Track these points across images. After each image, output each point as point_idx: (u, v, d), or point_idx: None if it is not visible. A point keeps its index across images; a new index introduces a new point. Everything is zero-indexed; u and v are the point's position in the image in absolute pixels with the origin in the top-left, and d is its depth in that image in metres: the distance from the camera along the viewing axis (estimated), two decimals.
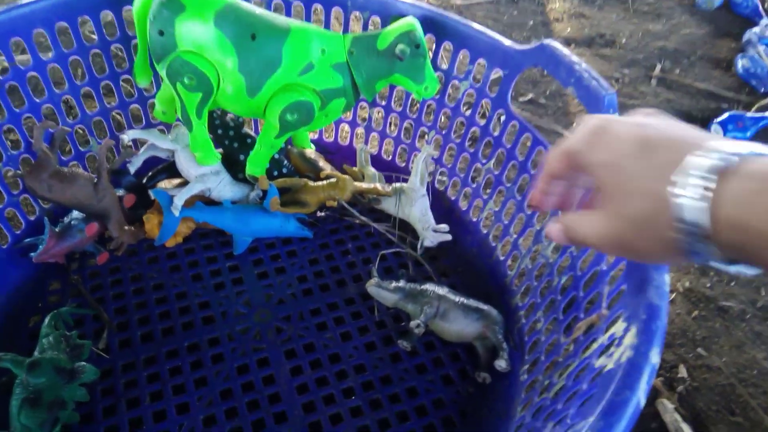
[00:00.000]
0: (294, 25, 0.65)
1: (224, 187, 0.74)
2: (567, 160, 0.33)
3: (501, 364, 0.62)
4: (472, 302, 0.66)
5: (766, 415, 0.69)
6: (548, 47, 0.62)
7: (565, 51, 0.61)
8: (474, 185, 0.77)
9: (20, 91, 0.67)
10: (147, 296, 0.69)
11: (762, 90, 1.24)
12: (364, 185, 0.76)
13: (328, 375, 0.64)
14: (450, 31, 0.71)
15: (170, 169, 0.76)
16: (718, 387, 0.72)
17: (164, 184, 0.76)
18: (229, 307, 0.69)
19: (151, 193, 0.71)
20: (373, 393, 0.62)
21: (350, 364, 0.65)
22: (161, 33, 0.61)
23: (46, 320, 0.61)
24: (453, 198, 0.81)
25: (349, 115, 0.87)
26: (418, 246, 0.76)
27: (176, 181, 0.77)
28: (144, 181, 0.76)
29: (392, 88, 0.81)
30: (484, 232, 0.77)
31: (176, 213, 0.70)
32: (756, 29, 1.35)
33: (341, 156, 0.88)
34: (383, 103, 0.83)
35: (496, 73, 0.69)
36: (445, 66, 0.74)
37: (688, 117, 1.16)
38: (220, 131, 0.75)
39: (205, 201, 0.74)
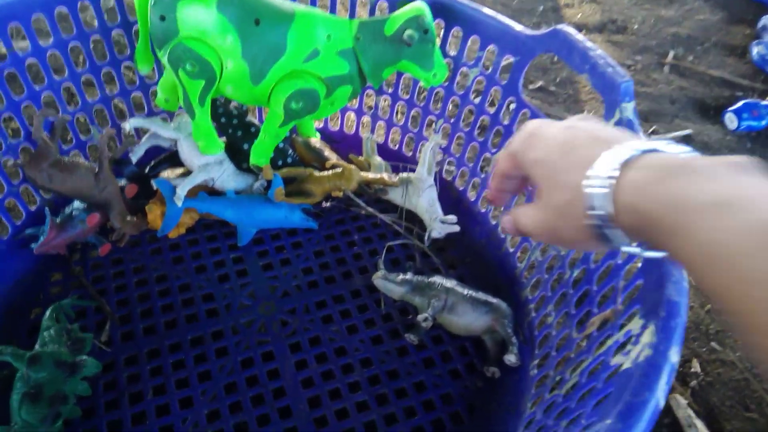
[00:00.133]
0: (299, 10, 0.63)
1: (228, 177, 0.72)
2: (511, 161, 0.36)
3: (510, 358, 0.61)
4: (481, 295, 0.64)
5: None
6: (561, 32, 0.60)
7: (579, 36, 0.59)
8: (483, 175, 0.75)
9: (19, 78, 0.65)
10: (150, 288, 0.68)
11: None
12: (370, 175, 0.74)
13: (334, 369, 0.62)
14: (459, 16, 0.69)
15: (173, 159, 0.75)
16: (732, 382, 0.70)
17: (167, 173, 0.75)
18: (233, 300, 0.68)
19: (154, 183, 0.69)
20: (379, 387, 0.61)
21: (356, 357, 0.64)
22: (162, 18, 0.60)
23: (47, 313, 0.60)
24: (461, 188, 0.79)
25: (355, 103, 0.85)
26: (426, 237, 0.74)
27: (179, 170, 0.75)
28: (146, 170, 0.75)
29: (399, 75, 0.79)
30: (493, 223, 0.75)
31: (179, 203, 0.69)
32: None
33: (347, 145, 0.86)
34: (390, 90, 0.81)
35: (507, 60, 0.67)
36: (454, 52, 0.72)
37: (702, 105, 1.14)
38: (223, 119, 0.73)
39: (209, 191, 0.73)
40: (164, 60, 0.62)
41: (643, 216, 0.27)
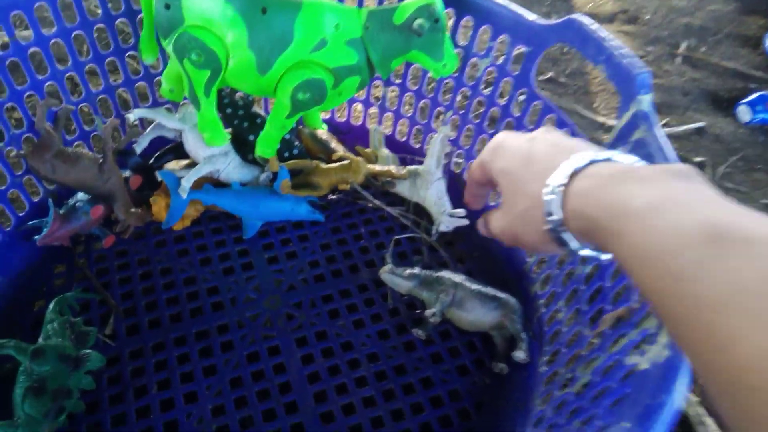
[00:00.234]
0: None
1: (233, 169, 0.71)
2: (480, 170, 0.39)
3: (520, 355, 0.60)
4: (490, 290, 0.63)
5: None
6: (576, 22, 0.58)
7: (594, 26, 0.58)
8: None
9: (22, 67, 0.64)
10: (154, 281, 0.67)
11: None
12: (377, 167, 0.73)
13: (341, 364, 0.62)
14: (471, 5, 0.67)
15: (178, 150, 0.74)
16: None
17: (171, 165, 0.74)
18: (238, 293, 0.67)
19: (158, 175, 0.68)
20: (386, 383, 0.60)
21: (363, 352, 0.63)
22: (167, 6, 0.58)
23: (51, 305, 0.59)
24: None
25: (363, 94, 0.84)
26: (434, 231, 0.73)
27: (184, 162, 0.74)
28: (151, 161, 0.74)
29: (408, 65, 0.78)
30: None
31: (184, 195, 0.68)
32: None
33: (353, 136, 0.85)
34: (398, 81, 0.80)
35: (518, 50, 0.65)
36: (464, 42, 0.70)
37: (715, 97, 1.12)
38: (229, 110, 0.72)
39: (214, 183, 0.72)
40: (169, 49, 0.61)
41: (588, 220, 0.29)
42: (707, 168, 0.97)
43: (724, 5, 1.40)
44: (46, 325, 0.57)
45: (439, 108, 0.78)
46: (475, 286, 0.63)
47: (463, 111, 0.75)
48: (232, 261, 0.70)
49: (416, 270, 0.64)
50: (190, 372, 0.60)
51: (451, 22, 0.69)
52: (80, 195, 0.69)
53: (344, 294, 0.68)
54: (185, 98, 0.67)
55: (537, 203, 0.32)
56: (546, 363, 0.59)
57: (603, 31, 0.57)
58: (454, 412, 0.59)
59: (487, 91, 0.71)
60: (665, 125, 1.04)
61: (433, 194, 0.73)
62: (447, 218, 0.72)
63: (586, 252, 0.32)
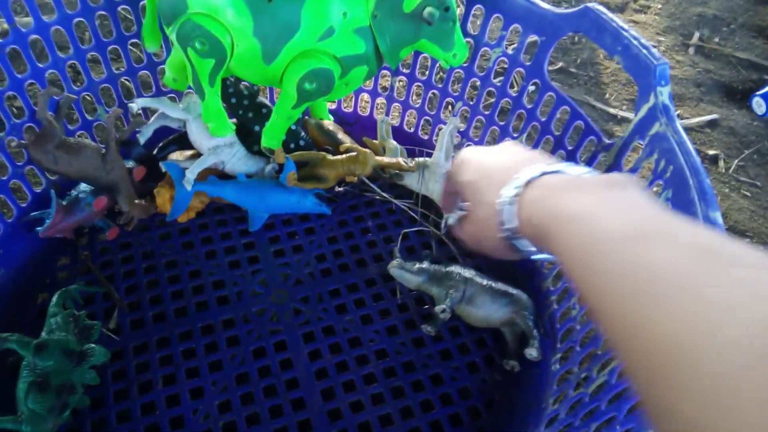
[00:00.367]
0: None
1: (238, 160, 0.70)
2: (449, 181, 0.43)
3: (532, 352, 0.59)
4: (501, 286, 0.62)
5: None
6: (592, 11, 0.56)
7: (610, 15, 0.56)
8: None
9: (22, 55, 0.62)
10: (159, 274, 0.66)
11: None
12: (385, 159, 0.72)
13: (348, 360, 0.61)
14: None
15: (182, 140, 0.72)
16: None
17: (176, 156, 0.72)
18: (244, 287, 0.66)
19: (162, 166, 0.67)
20: (395, 380, 0.59)
21: (371, 348, 0.62)
22: None
23: (54, 299, 0.58)
24: None
25: (370, 84, 0.82)
26: (442, 224, 0.71)
27: (188, 152, 0.73)
28: (154, 152, 0.72)
29: (416, 54, 0.76)
30: None
31: (188, 187, 0.66)
32: None
33: (360, 127, 0.83)
34: (407, 71, 0.78)
35: (531, 40, 0.63)
36: (475, 32, 0.68)
37: (728, 89, 1.09)
38: (233, 100, 0.71)
39: (219, 174, 0.71)
40: (172, 37, 0.59)
41: (536, 227, 0.31)
42: (721, 161, 0.95)
43: None
44: (50, 318, 0.56)
45: (448, 99, 0.76)
46: (485, 282, 0.62)
47: (473, 102, 0.74)
48: (237, 254, 0.69)
49: (425, 265, 0.63)
50: (196, 367, 0.59)
51: (461, 11, 0.67)
52: (83, 186, 0.67)
53: (352, 288, 0.67)
54: (189, 87, 0.66)
55: (494, 212, 0.35)
56: (559, 361, 0.58)
57: (619, 21, 0.55)
58: (464, 410, 0.58)
59: (498, 82, 0.69)
60: (678, 117, 1.02)
61: (441, 187, 0.72)
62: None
63: (539, 256, 0.35)
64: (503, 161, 0.37)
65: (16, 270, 0.65)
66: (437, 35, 0.62)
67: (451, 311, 0.60)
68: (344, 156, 0.71)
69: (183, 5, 0.57)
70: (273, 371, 0.59)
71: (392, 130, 0.79)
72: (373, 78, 0.79)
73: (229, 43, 0.59)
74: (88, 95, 0.71)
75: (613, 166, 0.57)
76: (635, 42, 0.53)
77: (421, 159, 0.73)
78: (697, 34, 1.21)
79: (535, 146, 0.67)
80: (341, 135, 0.76)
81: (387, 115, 0.82)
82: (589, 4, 0.57)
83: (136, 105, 0.64)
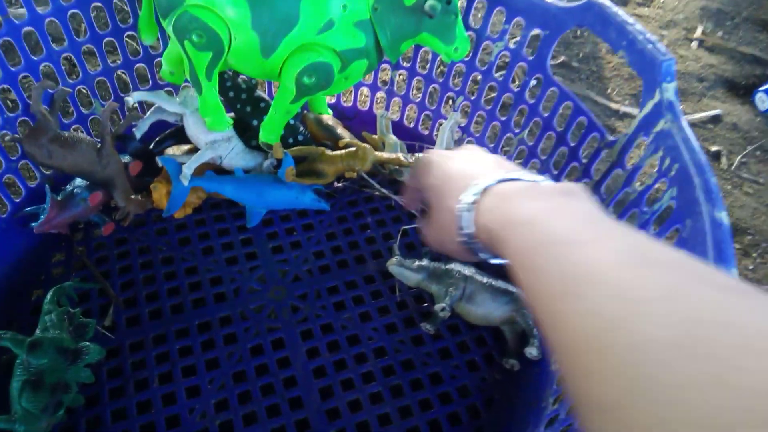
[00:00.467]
0: None
1: (236, 155, 0.69)
2: (415, 182, 0.45)
3: (532, 351, 0.58)
4: (501, 284, 0.61)
5: None
6: (596, 4, 0.55)
7: (615, 9, 0.55)
8: (505, 156, 0.71)
9: (15, 47, 0.61)
10: (155, 270, 0.66)
11: None
12: (385, 155, 0.71)
13: (347, 358, 0.60)
14: None
15: (179, 135, 0.71)
16: None
17: (172, 150, 0.71)
18: (242, 284, 0.65)
19: (159, 161, 0.66)
20: (393, 378, 0.59)
21: (370, 347, 0.61)
22: None
23: (49, 296, 0.57)
24: None
25: (370, 78, 0.81)
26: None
27: (185, 147, 0.72)
28: (151, 147, 0.71)
29: (417, 48, 0.75)
30: None
31: (185, 182, 0.65)
32: None
33: (360, 122, 0.82)
34: (407, 64, 0.77)
35: (534, 33, 0.62)
36: (477, 25, 0.67)
37: (732, 84, 1.08)
38: (231, 94, 0.70)
39: (216, 170, 0.70)
40: (169, 30, 0.58)
41: (489, 233, 0.33)
42: (723, 157, 0.95)
43: None
44: (44, 316, 0.55)
45: (449, 93, 0.75)
46: (485, 280, 0.61)
47: (474, 97, 0.73)
48: (235, 250, 0.68)
49: (425, 262, 0.62)
50: (193, 365, 0.58)
51: (463, 4, 0.66)
52: (78, 181, 0.66)
53: (350, 285, 0.66)
54: (186, 81, 0.65)
55: (453, 218, 0.36)
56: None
57: (625, 15, 0.54)
58: (464, 409, 0.57)
59: (500, 77, 0.68)
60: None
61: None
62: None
63: (496, 260, 0.36)
64: (464, 167, 0.39)
65: (10, 266, 0.64)
66: (439, 28, 0.61)
67: (450, 309, 0.60)
68: (343, 151, 0.70)
69: None
70: (270, 369, 0.58)
71: (392, 125, 0.78)
72: (372, 72, 0.78)
73: (227, 35, 0.58)
74: (83, 88, 0.70)
75: (617, 163, 0.56)
76: (641, 36, 0.52)
77: (421, 154, 0.72)
78: (700, 28, 1.20)
79: (537, 142, 0.66)
80: (340, 130, 0.75)
81: (387, 109, 0.81)
82: None
83: (132, 98, 0.63)
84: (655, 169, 0.50)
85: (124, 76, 0.73)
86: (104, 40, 0.69)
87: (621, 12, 0.54)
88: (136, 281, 0.64)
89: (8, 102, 0.67)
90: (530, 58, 0.64)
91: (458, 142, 0.77)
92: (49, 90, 0.63)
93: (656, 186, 0.50)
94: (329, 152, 0.70)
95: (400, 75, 0.79)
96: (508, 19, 0.64)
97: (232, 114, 0.70)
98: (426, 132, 0.81)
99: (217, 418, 0.55)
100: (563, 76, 1.05)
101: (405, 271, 0.62)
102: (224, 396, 0.56)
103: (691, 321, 0.20)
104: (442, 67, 0.75)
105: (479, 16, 0.67)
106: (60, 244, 0.67)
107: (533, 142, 0.66)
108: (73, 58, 0.67)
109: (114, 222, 0.68)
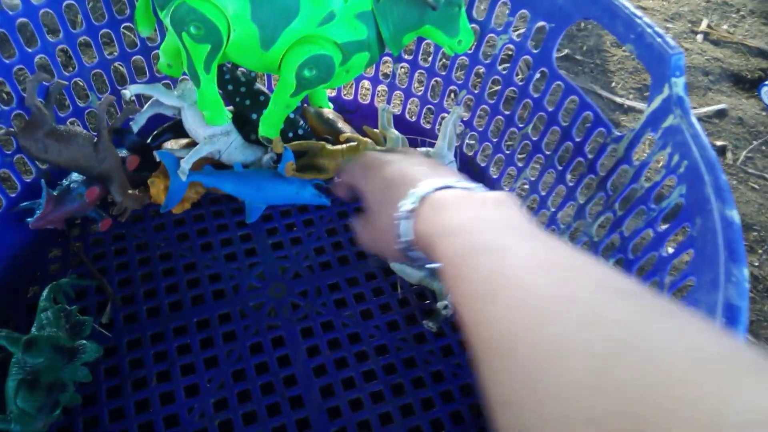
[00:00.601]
0: None
1: (235, 150, 0.68)
2: (349, 181, 0.47)
3: None
4: None
5: None
6: None
7: (622, 1, 0.53)
8: (508, 151, 0.70)
9: (9, 39, 0.60)
10: (153, 267, 0.65)
11: None
12: (386, 149, 0.70)
13: (348, 356, 0.59)
14: None
15: (176, 129, 0.70)
16: None
17: (170, 144, 0.70)
18: (241, 281, 0.64)
19: (157, 155, 0.65)
20: (395, 377, 0.58)
21: (371, 344, 0.60)
22: None
23: (45, 293, 0.56)
24: (483, 164, 0.75)
25: (371, 71, 0.80)
26: None
27: (183, 141, 0.71)
28: (148, 141, 0.70)
29: (419, 40, 0.74)
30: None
31: (183, 177, 0.64)
32: None
33: (361, 116, 0.81)
34: (409, 57, 0.75)
35: (539, 26, 0.61)
36: (481, 17, 0.66)
37: (738, 78, 1.07)
38: (230, 87, 0.68)
39: (215, 164, 0.69)
40: (166, 21, 0.57)
41: (424, 240, 0.34)
42: (728, 152, 0.93)
43: None
44: (40, 313, 0.54)
45: (451, 87, 0.74)
46: None
47: (478, 90, 0.71)
48: (234, 246, 0.67)
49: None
50: (191, 364, 0.57)
51: None
52: (75, 176, 0.65)
53: (351, 282, 0.65)
54: (184, 74, 0.64)
55: (392, 225, 0.37)
56: None
57: (633, 7, 0.53)
58: (466, 407, 0.56)
59: (504, 70, 0.67)
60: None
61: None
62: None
63: (432, 265, 0.36)
64: (403, 173, 0.40)
65: (5, 262, 0.63)
66: (442, 21, 0.60)
67: (453, 307, 0.59)
68: (344, 146, 0.69)
69: None
70: (270, 368, 0.58)
71: (394, 118, 0.77)
72: (374, 65, 0.77)
73: (226, 27, 0.56)
74: (79, 81, 0.69)
75: (623, 159, 0.55)
76: (649, 30, 0.50)
77: (423, 149, 0.71)
78: (705, 21, 1.19)
79: (542, 137, 0.65)
80: (341, 124, 0.74)
81: (388, 103, 0.80)
82: None
83: (129, 91, 0.62)
84: (661, 164, 0.49)
85: (121, 68, 0.72)
86: (101, 32, 0.67)
87: (629, 4, 0.53)
88: (134, 278, 0.63)
89: (3, 95, 0.65)
90: (535, 51, 0.62)
91: (460, 137, 0.75)
92: (44, 83, 0.62)
93: (664, 183, 0.49)
94: (330, 147, 0.69)
95: (402, 68, 0.78)
96: (512, 11, 0.63)
97: (230, 107, 0.69)
98: (428, 126, 0.80)
99: (216, 417, 0.54)
100: (567, 69, 1.03)
101: (407, 268, 0.61)
102: (224, 395, 0.55)
103: (584, 322, 0.22)
104: (444, 60, 0.73)
105: (483, 8, 0.65)
106: (56, 240, 0.66)
107: (538, 136, 0.65)
108: (68, 49, 0.66)
109: (111, 217, 0.67)
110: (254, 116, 0.68)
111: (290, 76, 0.60)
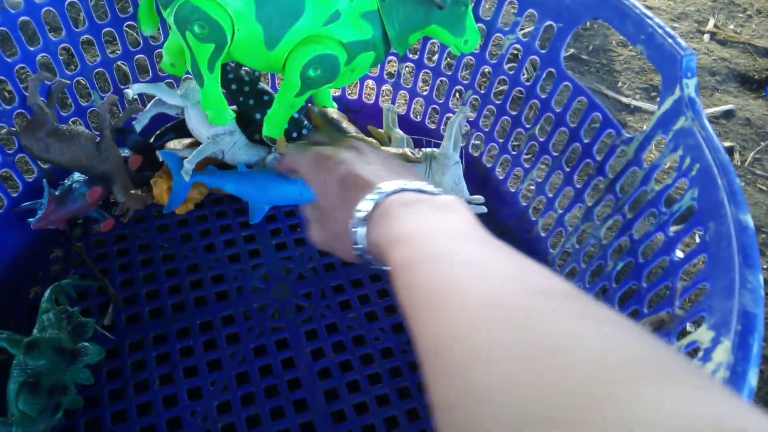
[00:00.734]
0: None
1: (239, 150, 0.67)
2: (290, 165, 0.50)
3: None
4: None
5: None
6: None
7: (632, 1, 0.53)
8: (515, 152, 0.70)
9: (11, 38, 0.59)
10: (156, 268, 0.64)
11: None
12: (391, 150, 0.69)
13: (353, 359, 0.59)
14: None
15: (179, 128, 0.69)
16: None
17: (173, 144, 0.69)
18: (244, 282, 0.64)
19: (159, 155, 0.64)
20: (401, 380, 0.57)
21: (376, 347, 0.60)
22: None
23: (46, 294, 0.56)
24: (489, 165, 0.74)
25: (376, 71, 0.79)
26: None
27: (186, 141, 0.70)
28: (151, 140, 0.70)
29: (425, 40, 0.73)
30: (524, 204, 0.70)
31: (186, 177, 0.63)
32: None
33: (365, 115, 0.80)
34: (414, 57, 0.75)
35: (547, 26, 0.60)
36: (487, 17, 0.65)
37: (745, 78, 1.06)
38: (233, 86, 0.68)
39: (218, 164, 0.68)
40: (170, 20, 0.56)
41: (376, 246, 0.35)
42: (736, 153, 0.93)
43: None
44: (42, 315, 0.54)
45: (457, 86, 0.73)
46: None
47: (484, 90, 0.71)
48: (237, 247, 0.67)
49: None
50: (194, 366, 0.57)
51: None
52: (77, 175, 0.65)
53: (356, 284, 0.65)
54: (188, 73, 0.63)
55: (346, 230, 0.38)
56: None
57: (643, 8, 0.52)
58: None
59: (511, 70, 0.66)
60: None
61: (449, 179, 0.69)
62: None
63: (387, 268, 0.37)
64: (357, 174, 0.40)
65: (6, 263, 0.63)
66: (448, 20, 0.59)
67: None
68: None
69: None
70: (274, 370, 0.57)
71: (398, 118, 0.76)
72: (379, 64, 0.76)
73: (230, 27, 0.56)
74: (81, 80, 0.68)
75: (633, 161, 0.54)
76: (660, 30, 0.49)
77: (428, 149, 0.70)
78: (712, 21, 1.18)
79: (549, 138, 0.64)
80: (345, 123, 0.73)
81: (393, 103, 0.79)
82: None
83: (131, 91, 0.61)
84: (668, 166, 0.48)
85: (123, 67, 0.71)
86: (103, 30, 0.67)
87: (639, 4, 0.52)
88: (136, 279, 0.63)
89: (5, 94, 0.65)
90: (543, 51, 0.62)
91: (466, 138, 0.75)
92: (46, 82, 0.61)
93: (675, 186, 0.48)
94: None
95: (407, 67, 0.77)
96: (519, 11, 0.62)
97: (234, 107, 0.68)
98: (433, 126, 0.79)
99: (219, 420, 0.53)
100: (572, 68, 1.03)
101: None
102: (227, 398, 0.55)
103: (509, 327, 0.22)
104: (450, 60, 0.73)
105: (489, 7, 0.64)
106: (58, 241, 0.66)
107: (545, 138, 0.64)
108: (71, 48, 0.65)
109: (113, 218, 0.67)
110: (258, 116, 0.68)
111: (295, 75, 0.59)
